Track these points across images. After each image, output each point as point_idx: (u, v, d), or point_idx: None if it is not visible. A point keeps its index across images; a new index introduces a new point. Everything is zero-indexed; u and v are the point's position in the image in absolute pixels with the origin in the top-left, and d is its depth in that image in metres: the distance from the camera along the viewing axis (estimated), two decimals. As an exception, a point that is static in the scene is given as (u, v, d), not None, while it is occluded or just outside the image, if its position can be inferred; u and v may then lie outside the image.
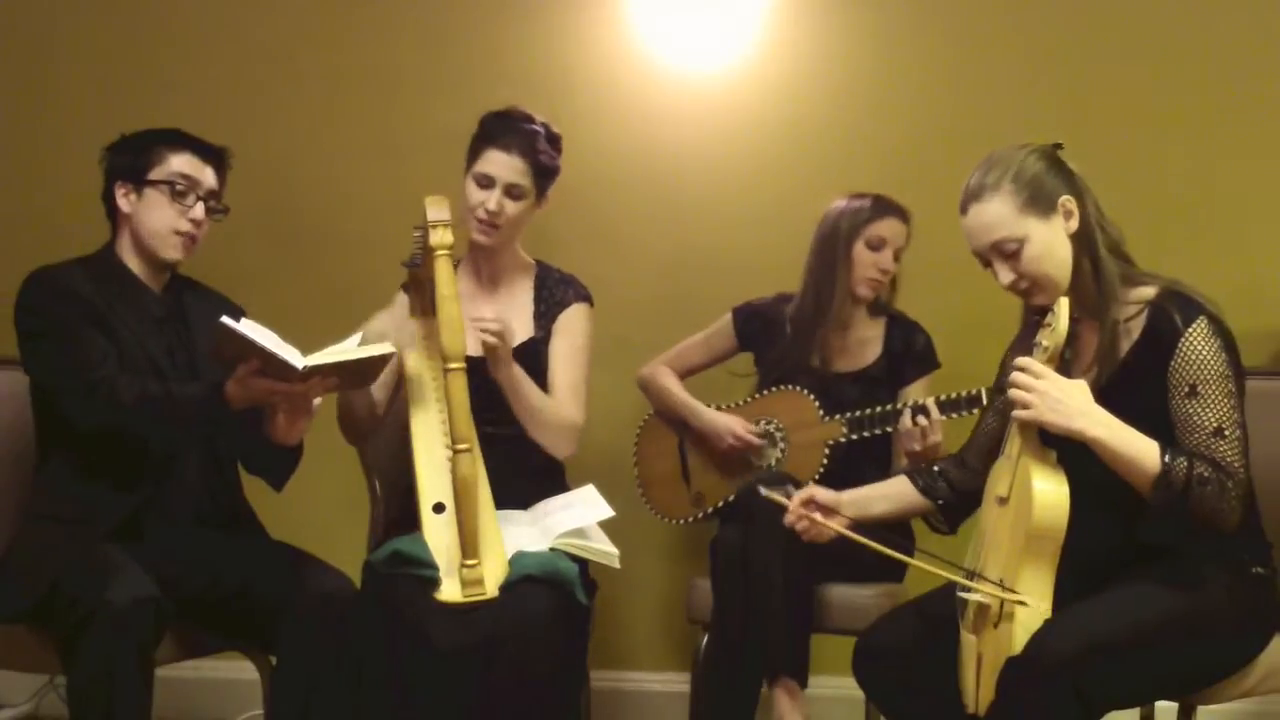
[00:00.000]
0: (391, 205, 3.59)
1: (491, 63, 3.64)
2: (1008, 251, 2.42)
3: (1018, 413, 2.31)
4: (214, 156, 2.88)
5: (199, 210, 2.83)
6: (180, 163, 2.82)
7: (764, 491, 2.65)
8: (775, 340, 3.30)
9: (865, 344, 3.28)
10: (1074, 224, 2.43)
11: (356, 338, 2.75)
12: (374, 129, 3.72)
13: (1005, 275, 2.44)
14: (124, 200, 2.83)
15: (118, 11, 3.75)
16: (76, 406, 2.68)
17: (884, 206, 3.21)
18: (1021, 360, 2.34)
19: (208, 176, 2.86)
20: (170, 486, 2.77)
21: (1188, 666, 2.38)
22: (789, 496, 2.65)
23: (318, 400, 2.73)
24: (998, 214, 2.41)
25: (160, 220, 2.81)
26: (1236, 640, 2.43)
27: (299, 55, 3.74)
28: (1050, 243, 2.42)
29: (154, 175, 2.81)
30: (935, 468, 2.70)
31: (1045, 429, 2.31)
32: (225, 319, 2.59)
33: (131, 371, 2.72)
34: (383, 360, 2.76)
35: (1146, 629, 2.28)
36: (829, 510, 2.63)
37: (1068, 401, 2.29)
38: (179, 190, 2.81)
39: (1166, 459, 2.28)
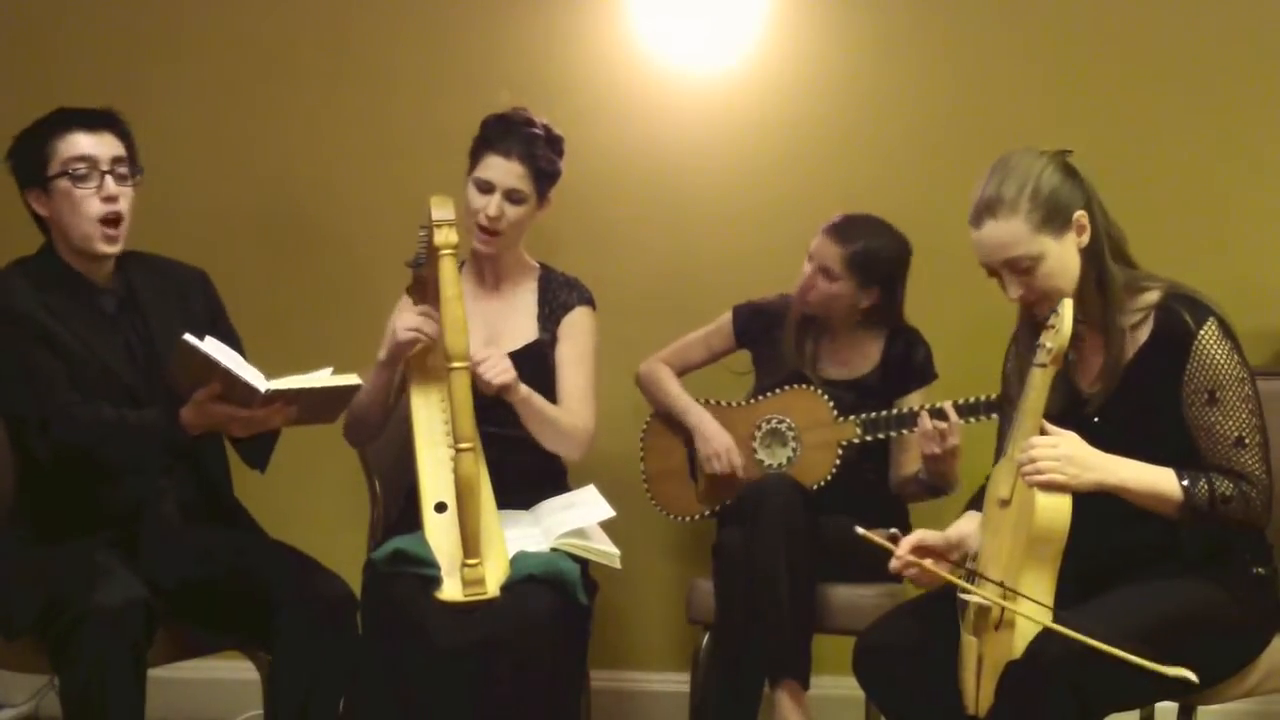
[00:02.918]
0: (390, 205, 3.59)
1: (491, 63, 3.64)
2: (1021, 269, 2.40)
3: (1055, 478, 2.26)
4: (103, 122, 2.72)
5: (110, 186, 2.69)
6: (69, 146, 2.68)
7: (861, 532, 2.40)
8: (776, 340, 3.29)
9: (864, 353, 3.28)
10: (1085, 239, 2.42)
11: (326, 371, 2.70)
12: (373, 129, 3.71)
13: (1014, 290, 2.42)
14: (39, 205, 2.72)
15: (117, 11, 3.75)
16: (35, 439, 2.64)
17: (836, 217, 3.20)
18: (1030, 440, 2.31)
19: (106, 147, 2.71)
20: (155, 489, 2.75)
21: (1188, 667, 2.37)
22: (894, 539, 2.46)
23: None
24: (1014, 233, 2.38)
25: (75, 212, 2.68)
26: (1237, 640, 2.43)
27: (298, 55, 3.73)
28: (1063, 258, 2.41)
29: (52, 169, 2.67)
30: None
31: (1078, 492, 2.28)
32: (188, 336, 2.52)
33: (87, 385, 2.67)
34: (349, 393, 2.73)
35: (1147, 630, 2.27)
36: (939, 555, 2.47)
37: (1091, 457, 2.29)
38: (80, 174, 2.67)
39: (1186, 484, 2.30)
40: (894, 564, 2.44)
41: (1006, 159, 2.43)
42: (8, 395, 2.70)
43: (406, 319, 2.91)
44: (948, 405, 2.98)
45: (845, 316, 3.23)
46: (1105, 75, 3.53)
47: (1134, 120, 3.49)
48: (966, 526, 2.55)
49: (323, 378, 2.67)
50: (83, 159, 2.68)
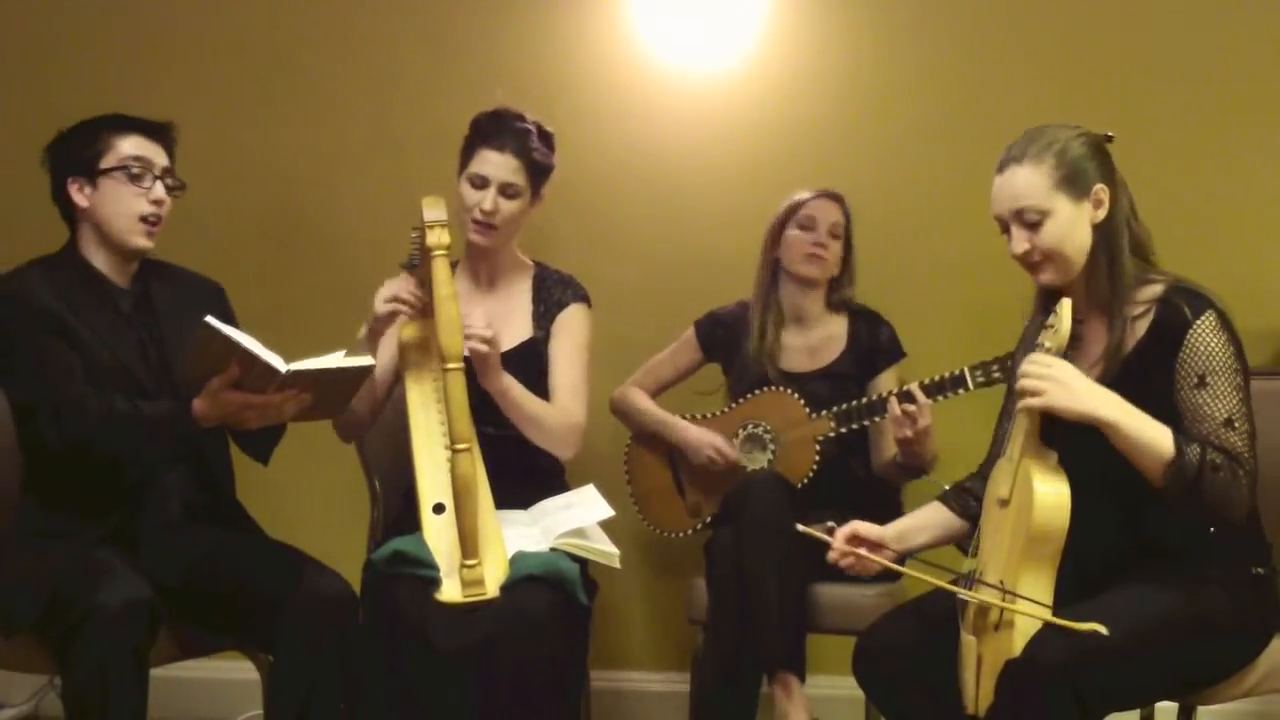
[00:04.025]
0: (391, 205, 3.59)
1: (491, 62, 3.64)
2: (1029, 221, 2.42)
3: (1030, 401, 2.29)
4: (160, 134, 2.82)
5: (159, 190, 2.78)
6: (130, 145, 2.77)
7: (801, 528, 2.50)
8: (741, 346, 3.31)
9: (830, 341, 3.30)
10: (1101, 214, 2.43)
11: (340, 354, 2.72)
12: (374, 129, 3.72)
13: (1020, 244, 2.44)
14: (79, 195, 2.77)
15: (117, 11, 3.75)
16: (45, 426, 2.65)
17: (814, 192, 3.27)
18: (1030, 355, 2.34)
19: (159, 155, 2.80)
20: (159, 485, 2.76)
21: (1188, 668, 2.38)
22: (830, 532, 2.56)
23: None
24: (1031, 182, 2.41)
25: (121, 207, 2.75)
26: (1237, 640, 2.43)
27: (299, 56, 3.74)
28: (1073, 224, 2.42)
29: (106, 163, 2.75)
30: (964, 485, 2.67)
31: (1057, 415, 2.30)
32: (210, 319, 2.55)
33: (101, 380, 2.69)
34: (362, 376, 2.74)
35: (1146, 631, 2.27)
36: (874, 546, 2.57)
37: (1078, 385, 2.29)
38: (135, 173, 2.76)
39: (1180, 442, 2.28)
40: (831, 554, 2.54)
41: (1046, 125, 2.48)
42: (21, 383, 2.72)
43: (384, 289, 2.90)
44: (914, 387, 3.00)
45: (826, 280, 3.28)
46: (1105, 75, 3.53)
47: (1134, 120, 3.48)
48: (914, 521, 2.64)
49: (337, 359, 2.69)
50: (139, 159, 2.77)
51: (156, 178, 2.78)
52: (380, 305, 2.89)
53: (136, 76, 3.70)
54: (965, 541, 2.65)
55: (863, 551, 2.52)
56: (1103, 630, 2.18)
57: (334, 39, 3.73)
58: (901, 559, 2.56)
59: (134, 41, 3.75)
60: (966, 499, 2.65)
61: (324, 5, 3.74)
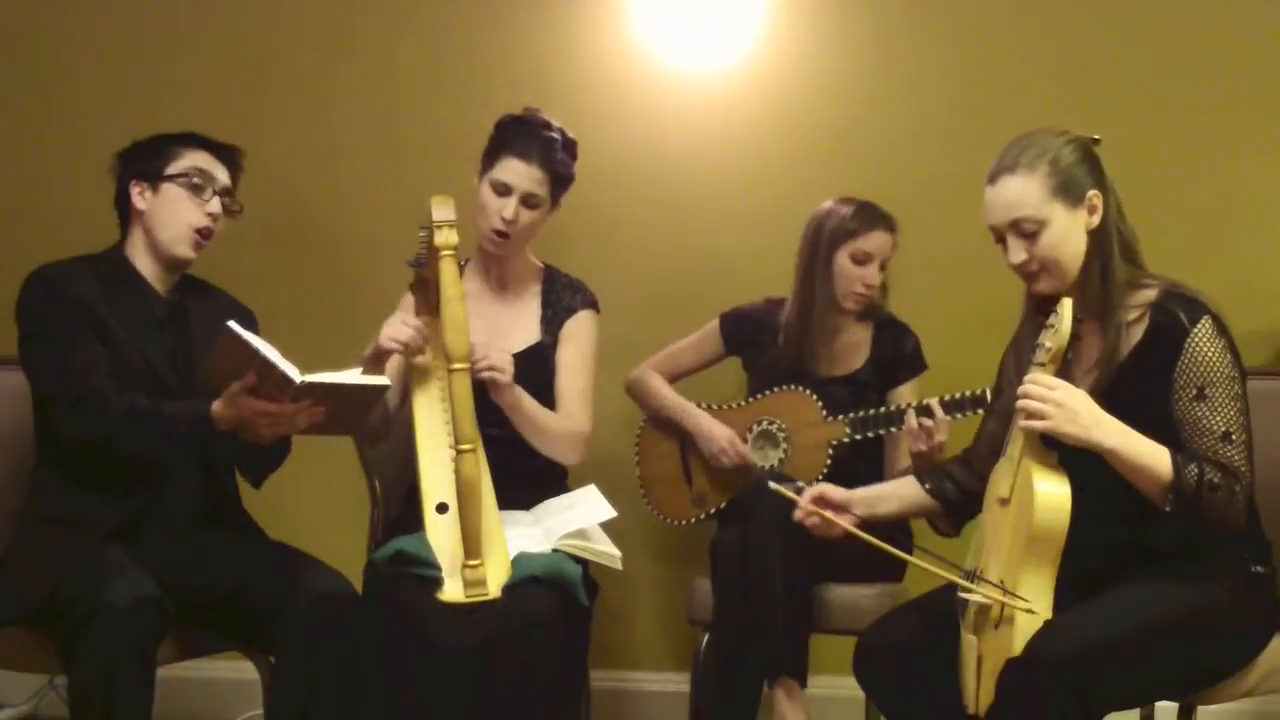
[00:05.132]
0: (394, 206, 3.59)
1: (493, 63, 3.65)
2: (1026, 231, 2.42)
3: (1034, 423, 2.30)
4: (227, 156, 2.90)
5: (215, 204, 2.84)
6: (196, 158, 2.84)
7: (773, 485, 2.62)
8: (764, 344, 3.31)
9: (854, 348, 3.29)
10: (1095, 220, 2.44)
11: (356, 371, 2.74)
12: (376, 129, 3.72)
13: (1017, 254, 2.44)
14: (139, 198, 2.83)
15: (121, 13, 3.76)
16: (64, 416, 2.67)
17: (870, 219, 3.19)
18: (1032, 374, 2.33)
19: (222, 173, 2.87)
20: (166, 488, 2.77)
21: (1188, 667, 2.38)
22: (799, 493, 2.64)
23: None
24: (1026, 191, 2.41)
25: (177, 214, 2.81)
26: (1237, 640, 2.43)
27: (301, 56, 3.74)
28: (1069, 232, 2.42)
29: (171, 170, 2.82)
30: (943, 466, 2.71)
31: (1061, 440, 2.31)
32: (232, 324, 2.57)
33: (127, 376, 2.70)
34: (377, 394, 2.75)
35: (1147, 630, 2.28)
36: (839, 508, 2.63)
37: (1084, 412, 2.29)
38: (196, 184, 2.82)
39: (1178, 464, 2.29)
40: (797, 514, 2.64)
41: (1033, 131, 2.47)
42: (45, 372, 2.73)
43: (395, 329, 2.89)
44: (934, 402, 3.00)
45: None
46: (1105, 76, 3.54)
47: (1134, 119, 3.49)
48: (884, 490, 2.72)
49: (353, 376, 2.71)
50: (202, 172, 2.84)
51: (216, 193, 2.84)
52: (384, 340, 2.88)
53: (137, 76, 3.71)
54: (936, 520, 2.71)
55: (828, 513, 2.59)
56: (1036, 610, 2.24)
57: (334, 39, 3.73)
58: (888, 540, 2.53)
59: (134, 41, 3.75)
60: (942, 479, 2.68)
61: (324, 5, 3.74)
